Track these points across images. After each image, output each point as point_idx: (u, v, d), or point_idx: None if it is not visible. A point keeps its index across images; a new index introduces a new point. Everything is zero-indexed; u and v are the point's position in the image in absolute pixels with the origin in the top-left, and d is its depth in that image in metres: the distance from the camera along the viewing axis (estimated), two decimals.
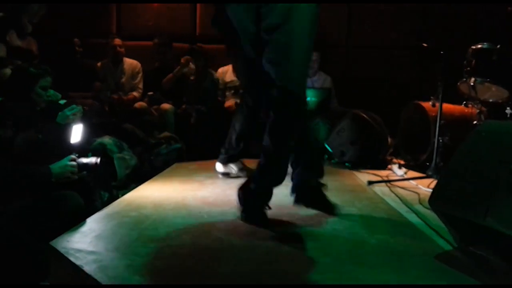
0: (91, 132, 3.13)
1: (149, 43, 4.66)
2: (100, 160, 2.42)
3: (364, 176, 3.14)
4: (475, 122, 3.28)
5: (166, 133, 3.83)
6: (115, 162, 3.28)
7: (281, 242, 1.80)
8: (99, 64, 4.51)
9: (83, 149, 2.86)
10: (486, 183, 1.59)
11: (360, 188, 2.83)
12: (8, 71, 3.16)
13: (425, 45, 3.68)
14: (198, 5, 4.93)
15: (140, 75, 4.52)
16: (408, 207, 2.36)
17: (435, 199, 1.80)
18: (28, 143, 2.55)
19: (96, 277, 1.42)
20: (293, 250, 1.74)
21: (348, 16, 4.85)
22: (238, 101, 4.29)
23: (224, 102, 4.44)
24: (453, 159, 1.86)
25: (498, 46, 3.18)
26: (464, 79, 3.31)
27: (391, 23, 4.76)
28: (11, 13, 3.35)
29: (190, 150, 3.87)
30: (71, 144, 2.65)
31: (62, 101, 2.99)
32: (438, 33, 4.29)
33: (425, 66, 4.48)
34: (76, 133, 2.69)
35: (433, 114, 3.34)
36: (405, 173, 3.25)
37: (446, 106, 3.32)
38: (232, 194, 2.50)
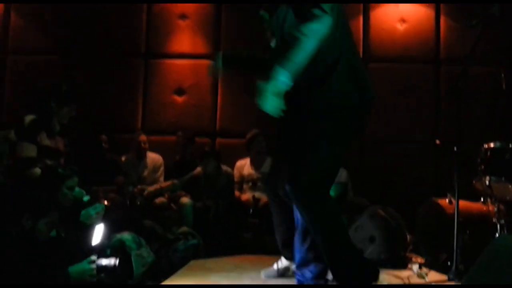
0: (112, 228, 3.22)
1: (171, 137, 4.89)
2: (119, 262, 2.48)
3: (383, 277, 3.07)
4: (494, 220, 3.25)
5: (184, 228, 3.88)
6: (133, 259, 3.32)
7: None
8: (123, 158, 4.72)
9: (103, 245, 2.93)
10: None
11: None
12: (38, 170, 3.33)
13: (438, 142, 3.77)
14: (218, 102, 5.22)
15: (161, 169, 4.70)
16: None
17: None
18: (51, 226, 2.62)
19: None
20: None
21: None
22: (255, 194, 4.37)
23: (241, 195, 4.51)
24: (472, 273, 1.85)
25: (511, 145, 3.24)
26: (479, 177, 3.34)
27: (406, 118, 4.92)
28: (42, 116, 3.57)
29: (208, 245, 3.89)
30: (92, 245, 2.73)
31: (86, 198, 3.12)
32: (451, 129, 4.40)
33: (439, 162, 4.54)
34: (98, 234, 2.78)
35: (451, 211, 3.32)
36: (426, 274, 3.17)
37: (464, 203, 3.31)
38: None
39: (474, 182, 3.45)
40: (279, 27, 2.15)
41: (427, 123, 4.84)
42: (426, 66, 5.10)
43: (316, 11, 1.88)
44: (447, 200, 3.49)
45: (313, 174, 2.00)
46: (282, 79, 1.85)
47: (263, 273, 2.91)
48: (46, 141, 3.56)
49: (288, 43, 1.92)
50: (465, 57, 3.25)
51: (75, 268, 2.37)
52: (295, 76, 1.89)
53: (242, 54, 2.67)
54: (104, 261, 2.47)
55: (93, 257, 2.48)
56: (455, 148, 3.31)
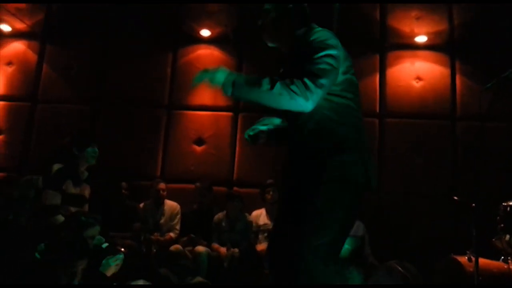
0: (127, 275, 3.24)
1: (189, 185, 4.96)
2: None
3: None
4: None
5: (198, 278, 3.87)
6: None
7: None
8: (141, 205, 4.79)
9: None
10: None
11: None
12: (60, 217, 3.42)
13: (456, 198, 3.75)
14: (237, 152, 5.33)
15: (178, 216, 4.74)
16: None
17: None
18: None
19: None
20: None
21: (379, 165, 5.07)
22: None
23: (256, 245, 4.50)
24: None
25: None
26: (499, 235, 3.29)
27: (423, 173, 4.92)
28: (68, 164, 3.70)
29: None
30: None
31: (104, 245, 3.17)
32: (469, 185, 4.39)
33: (458, 218, 4.49)
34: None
35: (470, 269, 3.26)
36: None
37: (484, 261, 3.25)
38: None
39: (493, 240, 3.40)
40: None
41: (444, 179, 4.83)
42: (443, 122, 5.16)
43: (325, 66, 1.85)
44: (466, 258, 3.43)
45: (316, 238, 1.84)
46: (227, 83, 1.91)
47: None
48: (72, 189, 3.65)
49: (279, 77, 1.87)
50: (481, 114, 3.30)
51: None
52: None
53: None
54: None
55: None
56: (473, 205, 3.30)
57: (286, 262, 1.85)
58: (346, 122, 1.96)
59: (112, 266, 2.74)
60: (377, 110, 5.24)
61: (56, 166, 3.64)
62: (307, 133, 1.96)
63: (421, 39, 5.30)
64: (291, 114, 1.97)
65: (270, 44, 2.20)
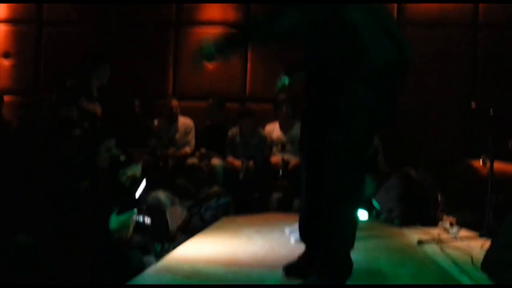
0: (148, 187, 3.34)
1: (202, 103, 4.95)
2: (152, 221, 2.57)
3: (413, 234, 3.09)
4: None
5: (215, 188, 3.99)
6: (167, 215, 3.45)
7: None
8: (155, 122, 4.83)
9: (142, 199, 3.05)
10: None
11: (410, 248, 2.79)
12: (77, 131, 3.47)
13: (473, 105, 3.69)
14: (248, 67, 5.23)
15: (192, 132, 4.79)
16: (461, 269, 2.31)
17: (487, 264, 1.78)
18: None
19: None
20: None
21: None
22: (284, 157, 4.43)
23: (270, 158, 4.58)
24: (505, 226, 1.86)
25: None
26: None
27: (442, 82, 4.82)
28: (81, 79, 3.70)
29: (238, 204, 3.99)
30: (135, 198, 2.83)
31: (122, 158, 3.24)
32: (487, 93, 4.30)
33: (473, 126, 4.46)
34: (141, 189, 2.88)
35: (484, 172, 3.29)
36: (457, 231, 3.17)
37: (498, 164, 3.27)
38: (280, 251, 2.56)
39: (509, 144, 3.40)
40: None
41: (462, 87, 4.72)
42: (464, 30, 4.95)
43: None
44: (481, 161, 3.45)
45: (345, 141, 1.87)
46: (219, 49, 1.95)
47: (287, 230, 2.98)
48: (87, 105, 3.68)
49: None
50: (505, 20, 3.14)
51: (117, 219, 2.44)
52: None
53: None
54: (141, 219, 2.56)
55: (134, 211, 2.55)
56: (491, 112, 3.25)
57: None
58: None
59: (128, 174, 2.80)
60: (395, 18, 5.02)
61: (69, 83, 3.64)
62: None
63: None
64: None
65: None
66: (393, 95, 1.95)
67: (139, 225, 2.62)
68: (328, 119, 1.90)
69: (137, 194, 2.68)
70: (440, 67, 4.87)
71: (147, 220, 2.66)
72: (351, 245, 1.90)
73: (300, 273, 2.02)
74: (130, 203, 2.69)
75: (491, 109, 3.25)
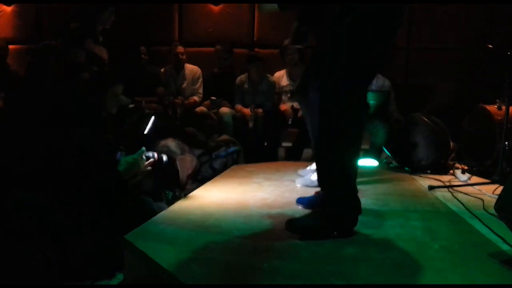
0: (156, 135, 3.32)
1: (209, 49, 4.83)
2: (162, 158, 2.52)
3: (425, 181, 3.08)
4: None
5: (225, 136, 3.96)
6: (177, 163, 3.45)
7: (343, 245, 1.82)
8: (162, 70, 4.74)
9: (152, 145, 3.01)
10: None
11: (421, 193, 2.78)
12: (86, 75, 3.41)
13: (490, 46, 3.55)
14: (256, 12, 5.05)
15: (200, 80, 4.71)
16: (472, 213, 2.30)
17: (501, 205, 1.76)
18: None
19: (165, 267, 1.53)
20: (355, 252, 1.76)
21: (409, 20, 4.77)
22: (294, 104, 4.36)
23: (279, 105, 4.51)
24: None
25: None
26: None
27: (454, 25, 4.64)
28: (86, 22, 3.59)
29: (248, 152, 3.98)
30: (144, 134, 2.78)
31: (131, 105, 3.21)
32: (503, 34, 4.13)
33: (490, 69, 4.32)
34: (150, 125, 2.84)
35: (499, 117, 3.22)
36: (469, 178, 3.15)
37: None
38: (289, 196, 2.56)
39: None
40: None
41: (478, 28, 4.53)
42: None
43: None
44: (496, 106, 3.37)
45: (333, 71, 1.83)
46: None
47: (300, 172, 2.99)
48: (94, 48, 3.59)
49: None
50: None
51: (126, 158, 2.39)
52: None
53: None
54: (151, 154, 2.50)
55: (143, 149, 2.50)
56: (508, 53, 3.13)
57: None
58: None
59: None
60: None
61: (74, 25, 3.53)
62: None
63: None
64: None
65: None
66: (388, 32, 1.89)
67: (154, 164, 2.52)
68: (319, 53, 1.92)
69: (146, 130, 2.63)
70: (456, 7, 4.65)
71: (164, 157, 2.55)
72: (347, 186, 1.88)
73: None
74: (139, 144, 2.64)
75: (508, 52, 3.13)
